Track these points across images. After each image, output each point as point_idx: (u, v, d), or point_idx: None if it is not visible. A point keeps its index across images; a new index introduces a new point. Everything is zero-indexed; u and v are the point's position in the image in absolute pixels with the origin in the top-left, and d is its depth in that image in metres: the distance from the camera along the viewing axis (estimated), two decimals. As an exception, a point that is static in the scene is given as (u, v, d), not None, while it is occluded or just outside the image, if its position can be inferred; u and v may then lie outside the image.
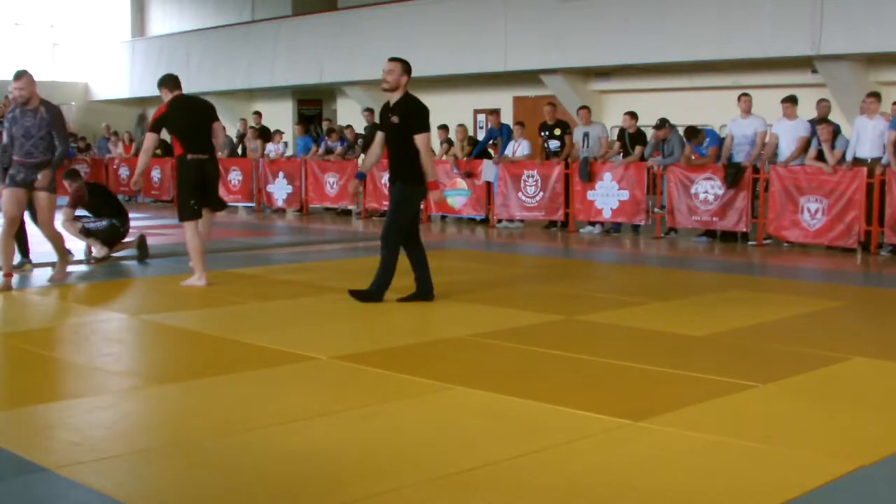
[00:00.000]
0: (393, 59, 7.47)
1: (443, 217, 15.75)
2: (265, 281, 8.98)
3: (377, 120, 7.62)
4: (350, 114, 18.44)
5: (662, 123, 13.20)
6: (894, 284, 9.34)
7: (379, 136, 7.65)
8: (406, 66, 7.40)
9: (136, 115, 28.24)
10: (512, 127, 15.34)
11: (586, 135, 14.02)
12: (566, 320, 6.96)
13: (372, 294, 7.47)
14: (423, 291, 7.55)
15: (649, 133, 13.80)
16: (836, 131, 11.81)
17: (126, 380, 5.32)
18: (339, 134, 17.87)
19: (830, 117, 12.25)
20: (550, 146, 14.46)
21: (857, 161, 11.41)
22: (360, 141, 17.03)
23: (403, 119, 7.34)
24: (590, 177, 13.64)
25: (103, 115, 25.97)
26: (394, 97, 7.41)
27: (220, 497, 3.52)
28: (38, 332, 6.58)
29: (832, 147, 11.57)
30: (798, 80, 14.89)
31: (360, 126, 17.98)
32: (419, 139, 7.34)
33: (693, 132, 12.95)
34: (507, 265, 10.21)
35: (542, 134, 14.59)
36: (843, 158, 11.51)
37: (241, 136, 19.52)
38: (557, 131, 14.42)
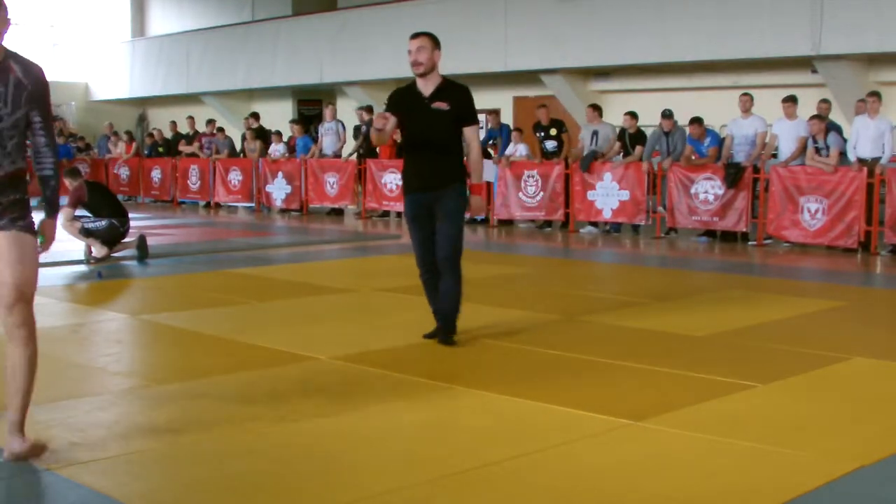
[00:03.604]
0: (419, 35, 6.03)
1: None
2: (265, 281, 8.98)
3: (394, 107, 6.07)
4: (350, 114, 18.44)
5: (670, 113, 13.17)
6: (894, 284, 9.34)
7: (392, 119, 6.03)
8: (436, 40, 6.02)
9: (136, 115, 28.24)
10: (511, 131, 15.35)
11: (595, 133, 14.02)
12: (566, 320, 6.96)
13: (454, 329, 6.16)
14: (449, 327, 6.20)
15: (650, 133, 13.79)
16: (834, 130, 11.81)
17: (126, 380, 5.32)
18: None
19: (830, 117, 12.25)
20: (547, 146, 14.47)
21: (857, 161, 11.41)
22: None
23: (457, 106, 5.98)
24: (589, 169, 13.63)
25: (103, 115, 25.98)
26: (431, 80, 5.99)
27: (220, 497, 3.52)
28: (38, 332, 6.57)
29: (826, 145, 11.57)
30: (798, 80, 14.90)
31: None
32: (472, 132, 6.09)
33: (696, 120, 12.90)
34: (507, 265, 10.21)
35: (538, 135, 14.60)
36: (842, 157, 11.52)
37: (243, 137, 19.55)
38: (553, 131, 14.43)
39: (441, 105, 5.95)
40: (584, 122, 14.76)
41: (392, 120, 6.01)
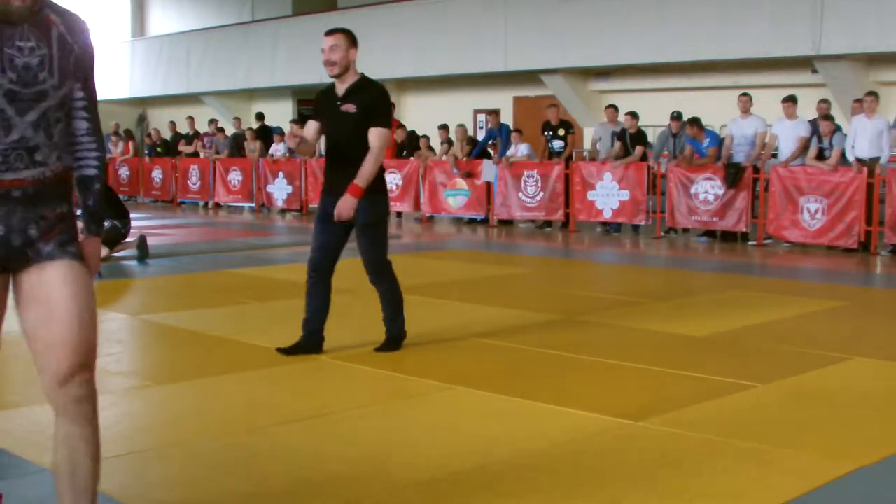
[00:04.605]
0: (333, 32, 5.57)
1: (430, 217, 15.75)
2: (265, 281, 8.98)
3: (315, 111, 5.84)
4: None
5: (679, 115, 13.21)
6: (894, 284, 9.35)
7: (312, 125, 5.78)
8: (351, 37, 5.55)
9: (137, 115, 28.24)
10: (511, 132, 15.37)
11: (613, 133, 14.04)
12: (566, 320, 6.96)
13: (400, 337, 5.98)
14: (317, 343, 5.88)
15: (650, 133, 13.80)
16: (837, 130, 11.83)
17: (126, 380, 5.32)
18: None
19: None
20: (554, 146, 14.49)
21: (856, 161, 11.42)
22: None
23: (364, 108, 5.52)
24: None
25: (103, 116, 25.74)
26: (346, 80, 5.57)
27: (220, 497, 3.52)
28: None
29: (831, 144, 11.60)
30: (798, 80, 14.91)
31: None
32: (375, 133, 5.49)
33: (693, 120, 12.92)
34: (507, 265, 10.21)
35: (546, 134, 14.61)
36: (842, 157, 11.53)
37: (243, 137, 19.55)
38: (561, 131, 14.46)
39: (349, 107, 5.53)
40: (595, 123, 14.75)
41: (311, 129, 5.75)
